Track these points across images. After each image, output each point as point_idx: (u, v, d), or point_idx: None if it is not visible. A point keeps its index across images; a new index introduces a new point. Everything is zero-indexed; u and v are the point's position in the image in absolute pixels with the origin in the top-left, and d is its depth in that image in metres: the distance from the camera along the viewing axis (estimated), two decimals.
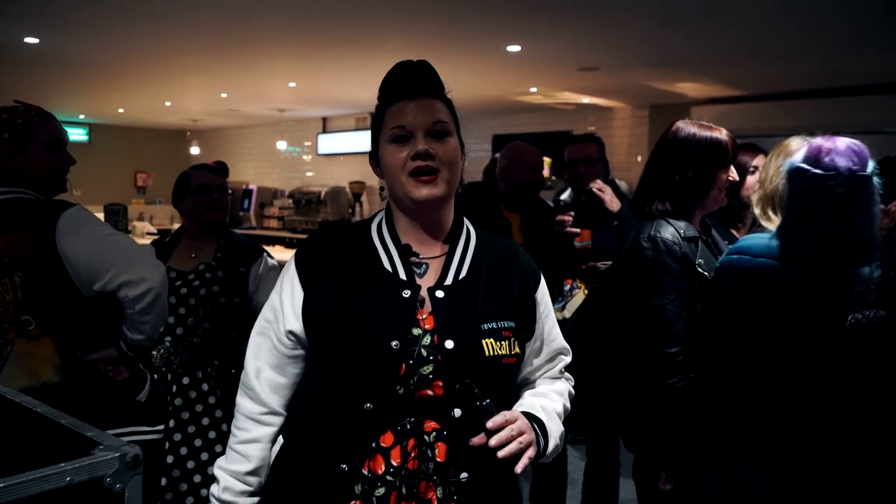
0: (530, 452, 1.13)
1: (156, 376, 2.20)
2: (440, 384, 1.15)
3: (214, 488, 1.25)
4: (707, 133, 1.83)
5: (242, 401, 1.28)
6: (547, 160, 6.50)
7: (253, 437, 1.25)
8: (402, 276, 1.21)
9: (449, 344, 1.16)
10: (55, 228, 1.77)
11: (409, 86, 1.23)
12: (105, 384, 1.88)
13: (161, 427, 2.14)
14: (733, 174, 1.89)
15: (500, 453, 1.09)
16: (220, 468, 1.26)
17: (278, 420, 1.26)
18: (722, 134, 1.84)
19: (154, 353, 2.19)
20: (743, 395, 1.62)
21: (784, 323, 1.54)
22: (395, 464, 1.15)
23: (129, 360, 1.92)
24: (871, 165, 1.54)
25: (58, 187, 1.96)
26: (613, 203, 2.61)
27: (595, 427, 2.84)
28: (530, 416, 1.21)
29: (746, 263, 1.61)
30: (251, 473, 1.24)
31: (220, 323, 2.23)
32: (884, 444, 1.45)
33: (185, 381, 2.20)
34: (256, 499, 1.24)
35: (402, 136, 1.21)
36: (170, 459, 2.14)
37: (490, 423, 1.10)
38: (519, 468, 1.12)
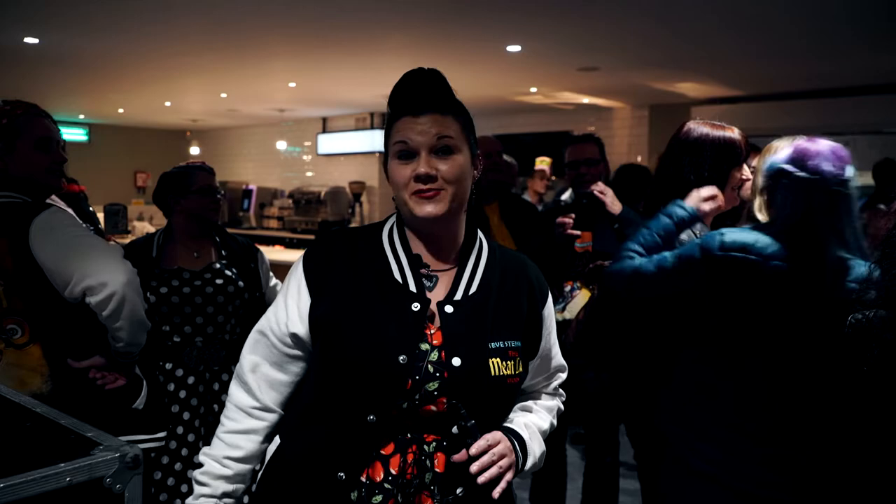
0: (509, 476, 1.15)
1: (159, 374, 2.19)
2: (444, 401, 1.15)
3: (196, 472, 1.25)
4: (720, 132, 1.83)
5: (236, 391, 1.28)
6: (547, 160, 6.50)
7: (241, 429, 1.25)
8: (413, 288, 1.20)
9: (456, 361, 1.15)
10: (28, 234, 1.70)
11: (415, 100, 1.20)
12: (97, 393, 1.81)
13: (162, 435, 2.12)
14: (746, 173, 1.88)
15: (480, 479, 1.11)
16: (204, 453, 1.26)
17: (270, 417, 1.26)
18: (735, 133, 1.83)
19: (185, 356, 2.19)
20: (738, 393, 1.60)
21: (788, 324, 1.54)
22: (393, 472, 1.15)
23: (123, 367, 1.85)
24: (850, 170, 1.55)
25: (52, 186, 1.89)
26: (615, 205, 2.60)
27: (595, 427, 2.84)
28: (513, 434, 1.22)
29: (750, 265, 1.57)
30: (232, 459, 1.23)
31: (244, 318, 2.26)
32: (884, 442, 1.45)
33: (225, 377, 2.22)
34: (233, 486, 1.23)
35: (406, 152, 1.19)
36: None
37: (473, 450, 1.12)
38: (496, 492, 1.13)
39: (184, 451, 2.15)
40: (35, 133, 1.84)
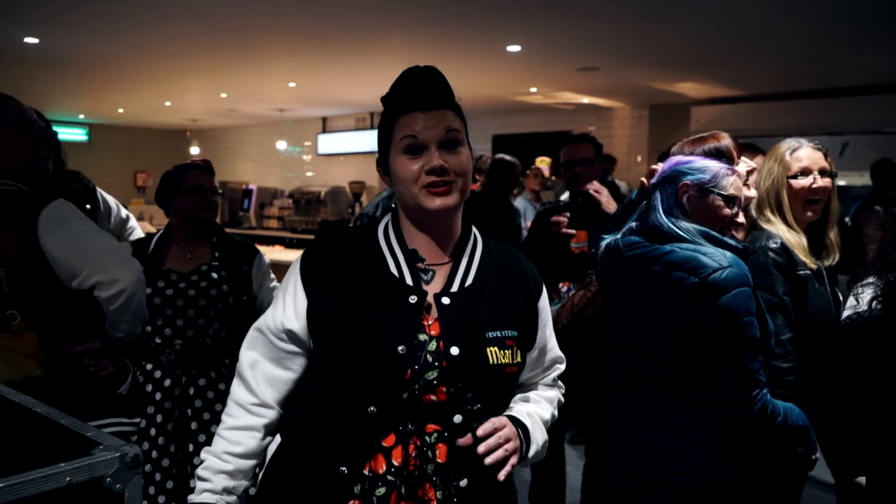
0: (513, 460, 1.16)
1: (139, 372, 2.19)
2: (444, 390, 1.16)
3: (198, 469, 1.26)
4: (702, 146, 1.72)
5: (236, 388, 1.28)
6: (547, 160, 6.51)
7: (241, 425, 1.25)
8: (409, 281, 1.21)
9: (454, 351, 1.16)
10: (36, 225, 1.74)
11: (421, 96, 1.21)
12: (87, 377, 1.87)
13: (138, 420, 2.13)
14: (741, 173, 1.86)
15: (488, 460, 1.12)
16: (205, 451, 1.27)
17: (269, 413, 1.26)
18: (720, 141, 1.72)
19: (163, 358, 2.18)
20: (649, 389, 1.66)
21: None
22: (396, 463, 1.16)
23: (114, 354, 1.90)
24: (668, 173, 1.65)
25: (39, 168, 1.90)
26: (610, 205, 2.59)
27: (594, 427, 2.84)
28: (516, 422, 1.23)
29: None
30: (233, 454, 1.24)
31: (229, 322, 2.22)
32: (882, 438, 1.46)
33: (202, 382, 2.20)
34: (234, 482, 1.24)
35: (414, 147, 1.20)
36: (197, 461, 2.13)
37: (480, 431, 1.12)
38: (502, 475, 1.14)
39: (154, 454, 2.13)
40: (14, 117, 1.85)
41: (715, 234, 1.58)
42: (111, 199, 2.63)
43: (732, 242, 1.58)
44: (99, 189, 2.61)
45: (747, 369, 1.47)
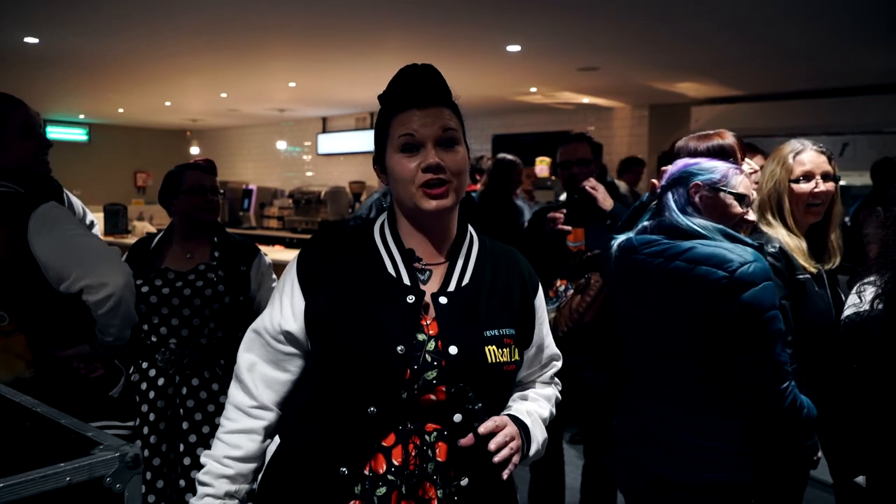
0: (516, 458, 1.17)
1: (132, 371, 2.19)
2: (443, 389, 1.16)
3: (199, 473, 1.25)
4: (707, 143, 1.75)
5: (234, 391, 1.28)
6: (547, 160, 6.52)
7: (240, 428, 1.25)
8: (406, 281, 1.21)
9: (453, 350, 1.16)
10: (27, 226, 1.74)
11: (418, 93, 1.21)
12: (77, 380, 1.87)
13: (131, 423, 2.13)
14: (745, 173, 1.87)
15: (496, 458, 1.12)
16: (205, 455, 1.27)
17: (268, 415, 1.26)
18: (725, 139, 1.75)
19: (158, 356, 2.18)
20: (658, 387, 1.66)
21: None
22: (396, 463, 1.16)
23: (104, 357, 1.90)
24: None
25: (40, 170, 1.92)
26: (606, 202, 2.59)
27: (592, 427, 2.84)
28: (517, 421, 1.23)
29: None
30: (233, 458, 1.24)
31: (225, 322, 2.22)
32: (881, 438, 1.46)
33: (195, 382, 2.19)
34: (235, 486, 1.24)
35: (411, 145, 1.19)
36: (186, 461, 2.14)
37: (482, 429, 1.12)
38: (505, 474, 1.14)
39: (145, 452, 2.13)
40: (19, 121, 1.87)
41: (731, 231, 1.59)
42: (78, 203, 2.63)
43: (748, 240, 1.59)
44: (67, 192, 2.61)
45: (778, 362, 1.48)
